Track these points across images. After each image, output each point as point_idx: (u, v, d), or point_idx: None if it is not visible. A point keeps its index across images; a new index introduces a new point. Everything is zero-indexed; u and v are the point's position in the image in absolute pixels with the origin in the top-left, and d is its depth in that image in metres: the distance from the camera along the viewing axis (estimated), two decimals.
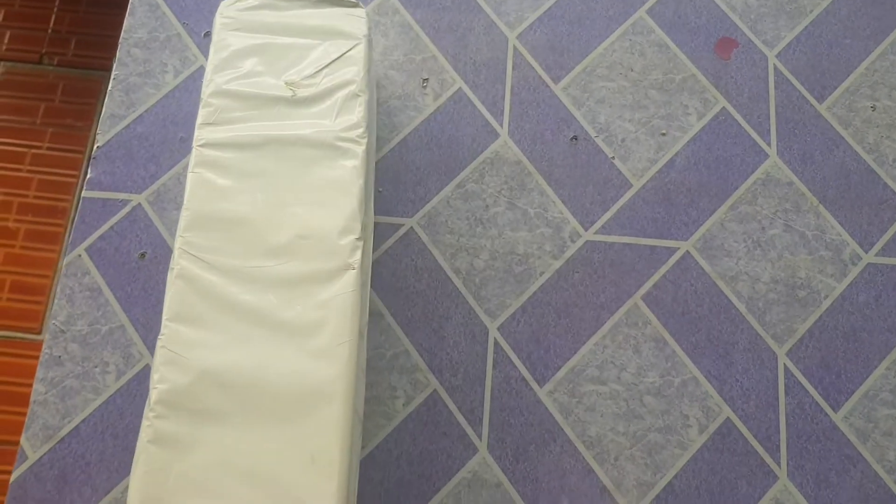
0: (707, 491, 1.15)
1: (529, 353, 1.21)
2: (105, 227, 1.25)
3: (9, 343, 1.87)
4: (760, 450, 1.17)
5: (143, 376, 1.17)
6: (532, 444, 1.16)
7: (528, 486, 1.14)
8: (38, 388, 1.17)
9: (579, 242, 1.27)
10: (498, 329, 1.21)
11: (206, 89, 1.07)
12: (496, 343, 1.21)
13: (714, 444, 1.17)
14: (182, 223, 0.99)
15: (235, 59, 1.09)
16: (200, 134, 1.04)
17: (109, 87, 1.33)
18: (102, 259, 1.23)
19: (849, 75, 1.37)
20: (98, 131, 1.30)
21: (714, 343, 1.21)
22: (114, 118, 1.31)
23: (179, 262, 0.97)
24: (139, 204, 1.26)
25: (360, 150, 1.03)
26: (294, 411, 0.90)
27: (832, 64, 1.37)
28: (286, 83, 1.07)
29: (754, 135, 1.33)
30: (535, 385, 1.19)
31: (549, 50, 1.38)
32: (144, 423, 0.90)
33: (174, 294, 0.96)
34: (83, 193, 1.26)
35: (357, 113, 1.06)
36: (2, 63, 2.44)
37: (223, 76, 1.07)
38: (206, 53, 1.35)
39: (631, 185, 1.30)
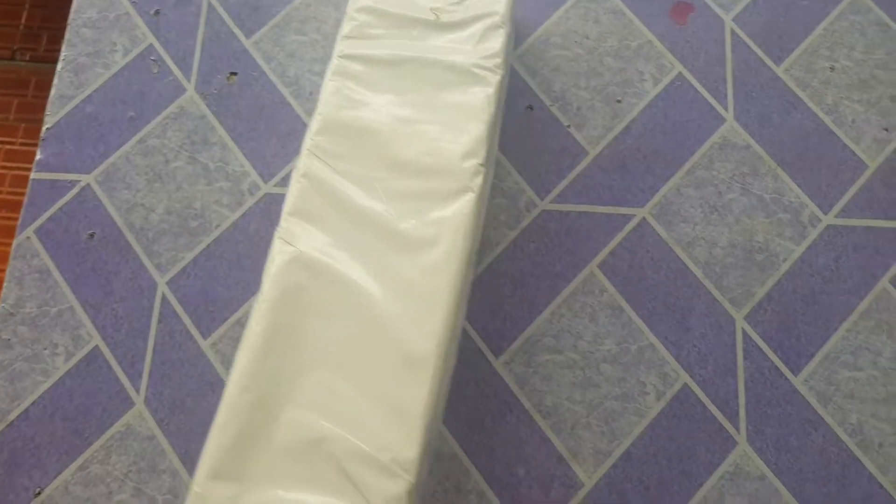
0: (665, 458, 1.13)
1: (485, 325, 1.19)
2: (54, 208, 1.23)
3: None
4: (719, 415, 1.15)
5: (93, 357, 1.16)
6: (488, 415, 1.15)
7: (483, 457, 1.13)
8: None
9: (535, 212, 1.25)
10: None
11: (353, 4, 1.09)
12: None
13: (672, 410, 1.15)
14: (313, 126, 1.02)
15: None
16: (342, 46, 1.07)
17: (58, 69, 1.32)
18: (51, 240, 1.22)
19: (807, 36, 1.35)
20: (47, 112, 1.29)
21: (671, 309, 1.20)
22: (62, 99, 1.30)
23: (306, 162, 1.00)
24: (88, 184, 1.25)
25: (495, 79, 1.05)
26: (396, 317, 0.91)
27: (790, 25, 1.36)
28: (431, 8, 1.09)
29: (711, 99, 1.31)
30: (490, 356, 1.18)
31: None
32: (255, 308, 0.93)
33: (298, 191, 0.99)
34: (32, 175, 1.25)
35: (496, 43, 1.08)
36: None
37: None
38: (155, 32, 1.34)
39: (587, 154, 1.28)
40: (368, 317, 0.92)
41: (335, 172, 0.99)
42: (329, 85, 1.05)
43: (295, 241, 0.95)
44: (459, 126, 1.02)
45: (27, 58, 2.56)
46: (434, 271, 0.94)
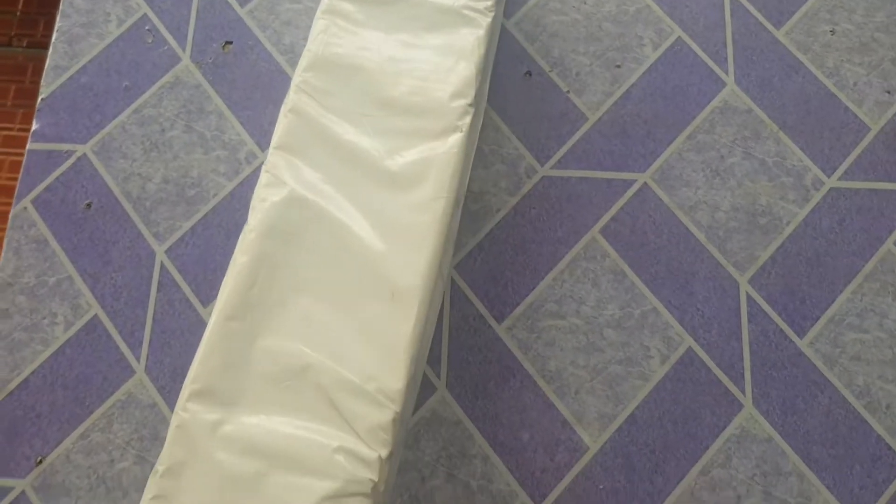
0: (670, 421, 1.12)
1: (487, 291, 1.18)
2: (50, 178, 1.22)
3: None
4: (724, 378, 1.14)
5: (92, 326, 1.15)
6: (491, 380, 1.14)
7: (487, 422, 1.12)
8: None
9: (535, 178, 1.24)
10: (455, 268, 1.19)
11: None
12: (453, 282, 1.18)
13: (676, 374, 1.15)
14: (303, 62, 1.02)
15: None
16: None
17: (53, 40, 1.30)
18: (48, 210, 1.21)
19: (807, 0, 1.34)
20: (42, 83, 1.28)
21: (674, 273, 1.19)
22: (57, 69, 1.29)
23: (294, 98, 1.00)
24: (84, 154, 1.24)
25: (485, 21, 1.05)
26: (382, 252, 0.92)
27: None
28: None
29: (711, 63, 1.30)
30: (493, 322, 1.17)
31: None
32: (241, 240, 0.94)
33: (285, 125, 0.99)
34: (28, 146, 1.24)
35: None
36: None
37: None
38: (149, 1, 1.33)
39: (587, 119, 1.27)
40: (355, 251, 0.91)
41: (323, 108, 0.99)
42: (319, 22, 1.05)
43: (281, 174, 0.95)
44: (448, 66, 1.02)
45: (24, 44, 2.54)
46: (421, 209, 0.93)
